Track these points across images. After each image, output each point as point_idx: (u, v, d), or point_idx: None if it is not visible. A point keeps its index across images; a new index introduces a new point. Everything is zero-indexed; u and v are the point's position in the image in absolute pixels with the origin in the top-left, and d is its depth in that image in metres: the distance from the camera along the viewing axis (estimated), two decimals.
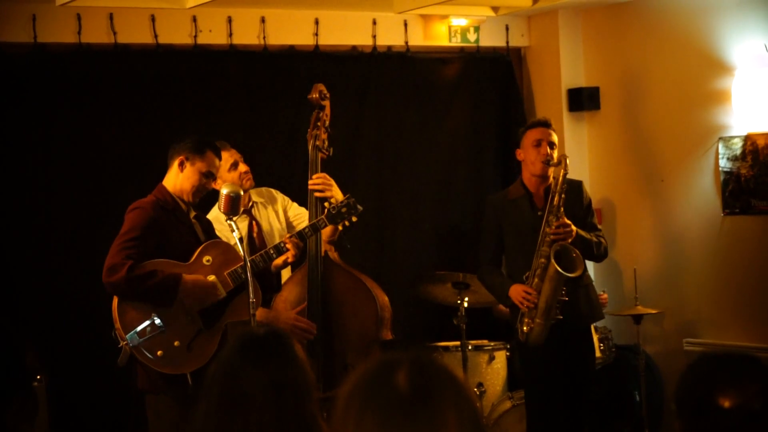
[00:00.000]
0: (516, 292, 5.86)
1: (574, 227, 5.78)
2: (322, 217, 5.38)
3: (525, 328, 5.85)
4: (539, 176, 5.97)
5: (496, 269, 6.13)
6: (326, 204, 5.44)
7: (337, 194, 5.55)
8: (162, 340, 4.93)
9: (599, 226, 6.18)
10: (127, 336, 4.90)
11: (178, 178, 5.16)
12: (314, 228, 5.39)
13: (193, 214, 5.25)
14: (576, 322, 5.92)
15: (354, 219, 5.39)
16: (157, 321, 4.92)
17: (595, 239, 5.94)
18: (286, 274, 5.90)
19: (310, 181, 5.58)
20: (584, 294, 5.98)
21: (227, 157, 5.72)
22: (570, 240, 5.76)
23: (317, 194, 5.53)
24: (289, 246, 5.26)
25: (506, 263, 6.19)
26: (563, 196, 5.77)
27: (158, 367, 4.93)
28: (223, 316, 5.09)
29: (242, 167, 5.80)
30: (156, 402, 5.06)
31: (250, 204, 5.92)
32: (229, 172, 5.74)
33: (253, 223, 5.89)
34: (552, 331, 5.79)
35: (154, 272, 4.94)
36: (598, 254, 6.03)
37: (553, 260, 5.71)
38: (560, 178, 5.78)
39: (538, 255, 5.80)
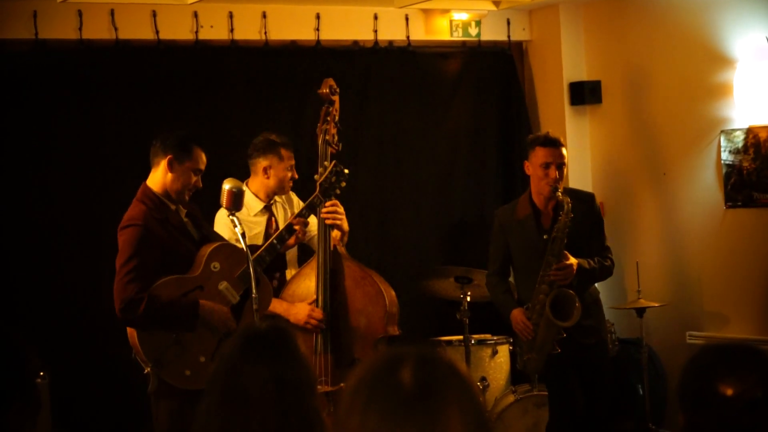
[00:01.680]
0: (516, 319, 5.92)
1: (574, 264, 5.74)
2: (317, 193, 5.41)
3: (524, 357, 5.96)
4: (547, 197, 5.94)
5: (502, 282, 6.17)
6: (315, 177, 5.48)
7: (344, 224, 5.58)
8: (187, 359, 4.91)
9: (607, 242, 6.11)
10: (151, 362, 4.88)
11: (167, 178, 5.06)
12: (311, 207, 5.43)
13: (183, 212, 5.17)
14: (581, 339, 5.89)
15: (343, 184, 5.45)
16: (180, 342, 4.91)
17: (597, 265, 5.89)
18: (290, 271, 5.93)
19: (323, 210, 5.53)
20: (588, 311, 5.91)
21: (291, 156, 5.83)
22: (570, 280, 5.75)
23: (328, 221, 5.53)
24: (297, 227, 5.34)
25: (515, 278, 6.21)
26: (565, 240, 5.72)
27: (188, 385, 4.86)
28: (240, 319, 5.05)
29: (295, 173, 5.86)
30: (169, 405, 4.99)
31: (271, 201, 5.94)
32: (287, 171, 5.82)
33: (272, 219, 5.90)
34: (563, 343, 5.82)
35: (171, 304, 4.89)
36: (602, 278, 6.04)
37: (548, 308, 5.72)
38: (561, 225, 5.71)
39: (538, 291, 5.80)
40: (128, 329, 4.95)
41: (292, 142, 5.93)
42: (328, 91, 5.61)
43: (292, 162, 5.86)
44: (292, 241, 5.41)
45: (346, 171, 5.44)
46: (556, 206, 5.87)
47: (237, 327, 4.99)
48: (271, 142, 5.84)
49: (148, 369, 4.88)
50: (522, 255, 6.01)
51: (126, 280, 4.85)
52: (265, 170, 5.80)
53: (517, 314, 5.92)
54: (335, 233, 5.59)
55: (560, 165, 5.86)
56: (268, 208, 5.89)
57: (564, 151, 5.91)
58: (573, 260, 5.75)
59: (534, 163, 5.91)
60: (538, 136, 6.08)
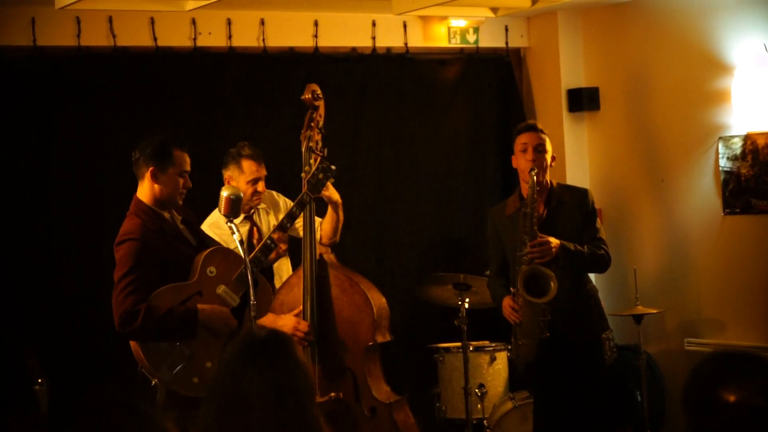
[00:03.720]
0: (504, 305, 5.85)
1: (554, 242, 5.65)
2: (305, 191, 5.33)
3: (518, 343, 5.86)
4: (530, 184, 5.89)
5: (499, 280, 6.10)
6: (302, 174, 5.40)
7: (333, 194, 5.54)
8: (194, 366, 4.85)
9: (602, 235, 6.02)
10: (158, 374, 4.82)
11: (155, 188, 5.00)
12: (301, 205, 5.33)
13: (178, 218, 5.12)
14: (573, 336, 5.81)
15: (332, 180, 5.39)
16: (185, 350, 4.85)
17: (587, 251, 5.78)
18: (287, 272, 5.91)
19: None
20: (583, 308, 5.87)
21: (254, 170, 5.79)
22: (549, 258, 5.66)
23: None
24: (275, 237, 5.23)
25: (511, 275, 6.15)
26: (535, 215, 5.66)
27: (198, 393, 4.73)
28: (243, 322, 4.99)
29: (260, 186, 5.82)
30: (175, 415, 4.96)
31: (252, 210, 5.91)
32: (247, 185, 5.77)
33: (254, 228, 5.88)
34: (553, 342, 5.75)
35: (169, 312, 4.82)
36: (595, 265, 5.90)
37: (520, 284, 5.63)
38: (529, 199, 5.66)
39: (518, 272, 5.70)
40: (131, 344, 4.88)
41: (262, 153, 5.87)
42: (311, 96, 5.51)
43: (257, 175, 5.80)
44: (273, 256, 5.36)
45: (333, 167, 5.36)
46: (547, 199, 5.84)
47: (239, 328, 4.96)
48: (235, 153, 5.83)
49: (155, 381, 4.82)
50: (513, 249, 5.95)
51: (124, 293, 4.80)
52: (228, 182, 5.79)
53: (505, 300, 5.84)
54: (322, 249, 5.55)
55: (537, 148, 5.79)
56: (248, 218, 5.86)
57: (543, 136, 5.84)
58: (551, 239, 5.66)
59: (516, 151, 5.90)
60: (518, 126, 6.10)
